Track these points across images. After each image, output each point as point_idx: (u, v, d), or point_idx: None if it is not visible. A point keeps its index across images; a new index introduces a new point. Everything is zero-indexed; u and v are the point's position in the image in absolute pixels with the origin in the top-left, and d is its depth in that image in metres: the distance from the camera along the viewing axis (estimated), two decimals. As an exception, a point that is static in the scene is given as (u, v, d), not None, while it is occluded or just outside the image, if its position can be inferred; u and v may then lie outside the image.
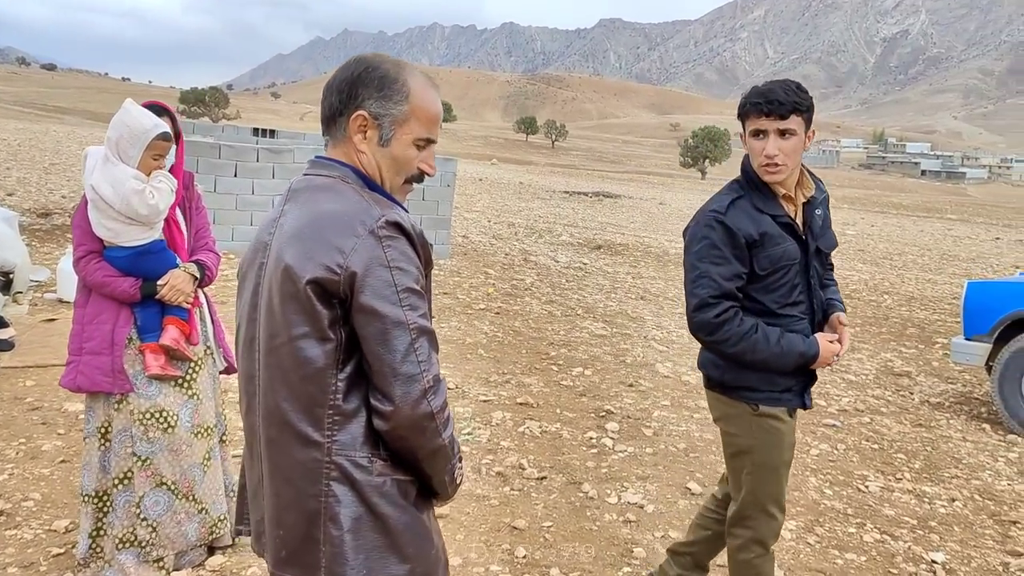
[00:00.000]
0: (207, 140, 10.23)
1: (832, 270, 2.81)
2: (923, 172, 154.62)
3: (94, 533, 2.90)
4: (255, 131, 13.23)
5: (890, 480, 4.57)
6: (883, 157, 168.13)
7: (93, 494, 2.90)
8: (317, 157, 1.61)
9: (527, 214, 19.88)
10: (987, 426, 5.80)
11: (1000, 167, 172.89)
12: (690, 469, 4.44)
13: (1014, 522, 4.12)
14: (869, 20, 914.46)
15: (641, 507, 3.90)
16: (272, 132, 13.48)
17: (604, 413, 5.22)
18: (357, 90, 1.55)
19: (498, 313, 7.92)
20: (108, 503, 2.89)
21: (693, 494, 4.10)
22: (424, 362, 1.46)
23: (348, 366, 1.48)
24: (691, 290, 2.46)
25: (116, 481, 2.87)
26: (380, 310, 1.43)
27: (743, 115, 2.47)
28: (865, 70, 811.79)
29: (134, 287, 2.83)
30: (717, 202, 2.50)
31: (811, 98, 2.49)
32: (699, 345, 2.61)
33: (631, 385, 5.93)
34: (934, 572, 3.52)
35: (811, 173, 2.61)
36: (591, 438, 4.76)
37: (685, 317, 2.53)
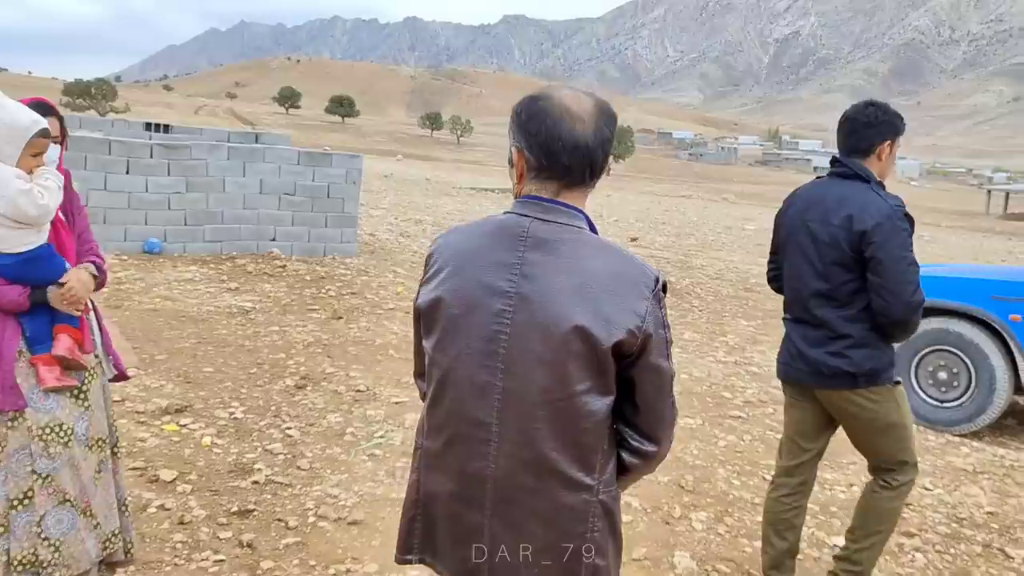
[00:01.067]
0: (96, 135, 9.73)
1: None
2: (815, 168, 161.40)
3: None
4: (147, 126, 12.67)
5: (793, 468, 4.73)
6: (778, 154, 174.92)
7: None
8: (550, 201, 1.57)
9: (435, 211, 19.75)
10: (879, 412, 6.09)
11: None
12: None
13: (907, 504, 4.33)
14: (763, 21, 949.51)
15: (557, 505, 3.91)
16: (166, 127, 12.94)
17: (517, 411, 5.22)
18: (613, 140, 1.61)
19: (408, 313, 7.81)
20: (5, 526, 2.69)
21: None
22: (675, 404, 1.66)
23: (611, 411, 1.59)
24: (907, 277, 2.79)
25: (16, 503, 2.67)
26: (661, 367, 1.57)
27: (900, 134, 2.99)
28: (760, 70, 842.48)
29: (22, 295, 2.62)
30: (892, 199, 2.85)
31: None
32: None
33: (543, 382, 5.95)
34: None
35: None
36: (505, 437, 4.75)
37: (894, 303, 2.81)
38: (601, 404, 1.54)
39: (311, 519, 3.57)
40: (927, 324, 5.90)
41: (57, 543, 2.70)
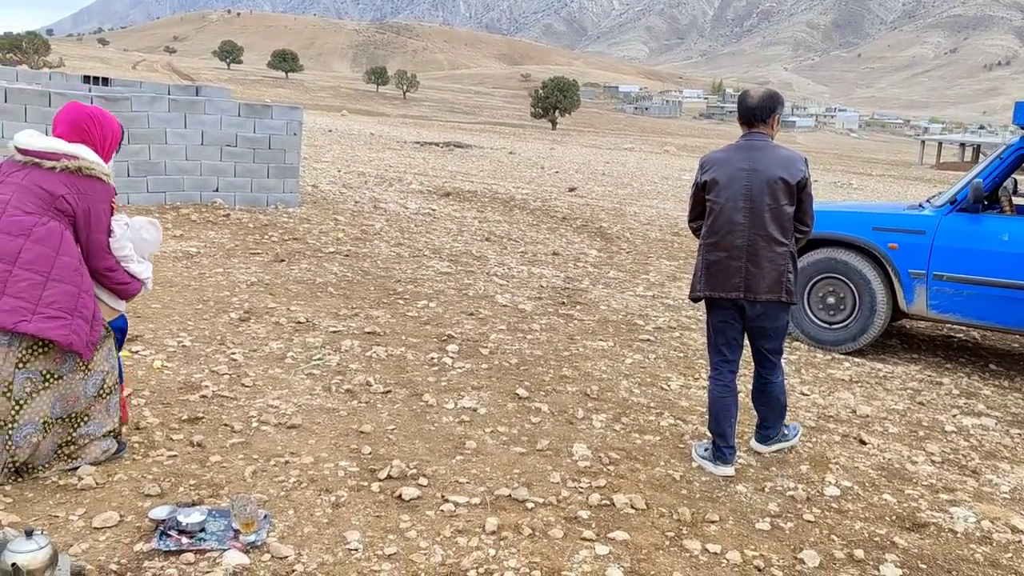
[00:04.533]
0: (34, 87, 9.80)
1: None
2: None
3: None
4: (86, 79, 12.64)
5: (689, 380, 5.33)
6: (721, 107, 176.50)
7: None
8: (753, 133, 3.83)
9: (377, 164, 19.96)
10: (777, 335, 6.73)
11: (825, 116, 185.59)
12: (520, 379, 5.01)
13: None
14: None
15: (475, 410, 4.44)
16: (105, 80, 12.91)
17: (446, 338, 5.72)
18: (777, 105, 3.88)
19: (347, 256, 8.23)
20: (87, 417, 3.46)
21: (521, 398, 4.68)
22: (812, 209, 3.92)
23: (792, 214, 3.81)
24: None
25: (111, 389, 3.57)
26: (811, 192, 3.84)
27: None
28: (704, 23, 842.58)
29: None
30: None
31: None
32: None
33: (471, 314, 6.46)
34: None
35: None
36: (433, 358, 5.25)
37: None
38: (790, 210, 3.73)
39: (254, 424, 4.04)
40: (818, 254, 6.55)
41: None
